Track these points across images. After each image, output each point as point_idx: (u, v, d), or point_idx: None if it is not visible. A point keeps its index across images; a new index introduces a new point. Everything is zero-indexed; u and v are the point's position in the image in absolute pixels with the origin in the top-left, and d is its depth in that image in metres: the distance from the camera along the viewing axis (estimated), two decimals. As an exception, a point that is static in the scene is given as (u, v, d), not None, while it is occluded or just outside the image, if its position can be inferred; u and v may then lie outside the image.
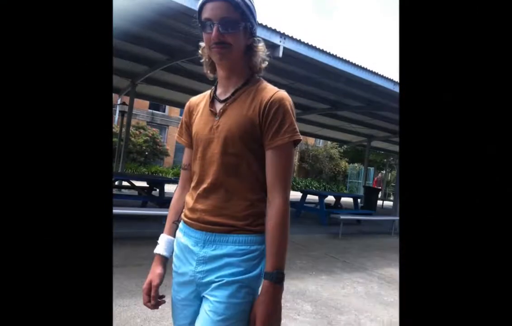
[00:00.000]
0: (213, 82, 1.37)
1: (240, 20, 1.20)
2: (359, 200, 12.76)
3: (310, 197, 12.27)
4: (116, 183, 10.48)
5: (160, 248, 1.38)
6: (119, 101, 14.76)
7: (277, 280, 1.16)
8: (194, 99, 1.43)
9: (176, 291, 1.33)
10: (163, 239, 1.39)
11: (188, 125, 1.40)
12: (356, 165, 30.83)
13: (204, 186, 1.27)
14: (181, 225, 1.36)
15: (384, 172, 29.68)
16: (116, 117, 19.63)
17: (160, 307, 1.35)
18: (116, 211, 4.92)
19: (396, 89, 8.20)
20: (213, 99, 1.32)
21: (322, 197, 10.78)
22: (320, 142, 33.39)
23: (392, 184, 28.83)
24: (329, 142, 30.73)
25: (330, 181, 32.38)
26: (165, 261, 1.38)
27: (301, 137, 1.27)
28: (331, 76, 8.14)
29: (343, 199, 13.36)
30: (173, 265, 1.35)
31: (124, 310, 3.24)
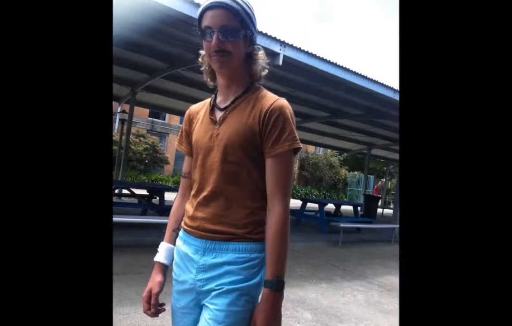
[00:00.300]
0: (213, 90, 1.37)
1: (240, 28, 1.20)
2: (359, 208, 12.74)
3: (310, 205, 12.26)
4: (116, 190, 10.47)
5: (160, 256, 1.37)
6: (119, 109, 14.79)
7: (277, 288, 1.16)
8: (194, 107, 1.43)
9: (176, 299, 1.32)
10: (163, 247, 1.39)
11: (188, 133, 1.40)
12: (356, 173, 30.79)
13: (204, 194, 1.27)
14: (181, 233, 1.36)
15: (384, 180, 29.67)
16: (116, 125, 19.66)
17: (160, 315, 1.35)
18: (116, 219, 4.91)
19: (396, 97, 8.21)
20: (213, 107, 1.32)
21: (322, 205, 10.76)
22: (320, 151, 33.40)
23: (392, 192, 28.78)
24: (329, 150, 30.73)
25: (330, 189, 32.35)
26: (165, 269, 1.38)
27: (301, 145, 1.27)
28: (331, 84, 8.16)
29: (343, 207, 13.35)
30: (173, 273, 1.35)
31: (124, 318, 3.22)
